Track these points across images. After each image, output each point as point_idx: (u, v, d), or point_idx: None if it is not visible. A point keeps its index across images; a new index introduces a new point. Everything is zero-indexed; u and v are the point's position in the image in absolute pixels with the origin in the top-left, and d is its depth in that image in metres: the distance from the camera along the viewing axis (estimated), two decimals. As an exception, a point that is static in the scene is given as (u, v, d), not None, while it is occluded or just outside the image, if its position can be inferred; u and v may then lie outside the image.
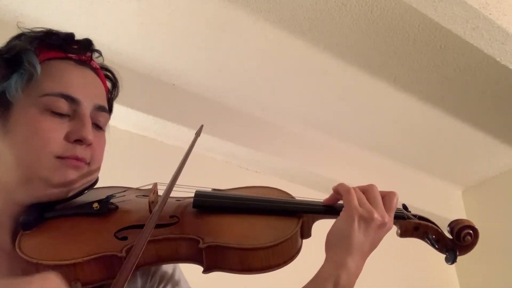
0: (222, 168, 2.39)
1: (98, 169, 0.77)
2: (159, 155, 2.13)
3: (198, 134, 0.85)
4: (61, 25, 1.78)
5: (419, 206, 2.72)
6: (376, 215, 0.72)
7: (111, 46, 1.90)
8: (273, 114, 2.42)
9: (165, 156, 2.04)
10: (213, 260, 0.69)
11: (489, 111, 2.36)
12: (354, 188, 0.77)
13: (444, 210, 2.88)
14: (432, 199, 2.91)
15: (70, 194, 0.72)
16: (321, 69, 2.09)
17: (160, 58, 2.04)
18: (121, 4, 1.74)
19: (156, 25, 1.86)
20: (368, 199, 0.75)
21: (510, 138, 2.60)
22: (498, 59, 1.75)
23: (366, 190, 0.76)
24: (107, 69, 0.83)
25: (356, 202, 0.74)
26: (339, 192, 0.78)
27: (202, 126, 0.87)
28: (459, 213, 3.07)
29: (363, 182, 0.81)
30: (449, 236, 0.83)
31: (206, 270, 0.70)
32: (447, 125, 2.48)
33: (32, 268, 0.63)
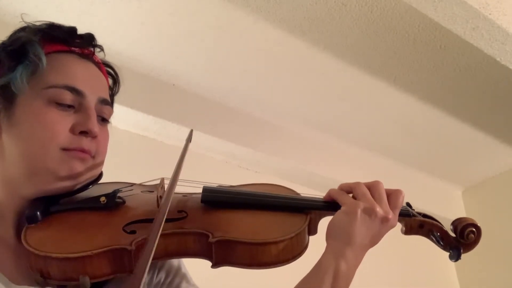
0: (222, 168, 2.39)
1: (102, 162, 0.76)
2: (159, 155, 2.13)
3: (189, 139, 0.83)
4: (61, 25, 1.78)
5: (419, 206, 2.69)
6: (378, 209, 0.73)
7: (111, 46, 1.90)
8: (273, 114, 2.42)
9: (165, 156, 2.03)
10: (222, 255, 0.69)
11: (489, 111, 2.36)
12: (359, 183, 0.78)
13: (444, 210, 2.87)
14: (432, 199, 2.91)
15: (76, 187, 0.72)
16: (321, 69, 2.09)
17: (160, 58, 2.04)
18: (121, 4, 1.74)
19: (157, 25, 1.86)
20: (372, 195, 0.75)
21: (510, 138, 2.60)
22: (498, 59, 1.75)
23: (371, 186, 0.77)
24: (108, 65, 0.83)
25: (350, 198, 0.75)
26: (332, 197, 0.79)
27: (192, 131, 0.86)
28: (459, 213, 3.07)
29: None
30: (453, 235, 0.84)
31: (215, 265, 0.70)
32: (447, 125, 2.47)
33: (40, 261, 0.62)
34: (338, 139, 2.61)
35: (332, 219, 0.75)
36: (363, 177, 0.83)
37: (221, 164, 2.41)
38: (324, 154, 2.60)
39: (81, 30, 0.78)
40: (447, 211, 2.92)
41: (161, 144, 2.22)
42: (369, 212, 0.72)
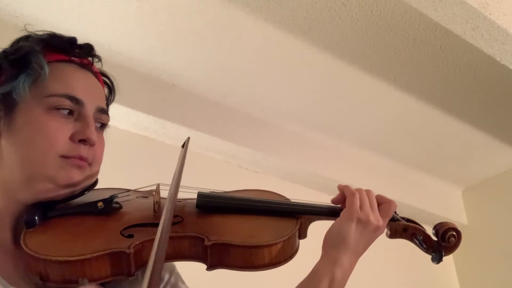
0: (222, 168, 2.39)
1: (98, 171, 0.78)
2: (159, 155, 2.13)
3: (185, 147, 0.84)
4: (61, 25, 1.78)
5: (419, 206, 2.72)
6: (372, 219, 0.78)
7: (111, 46, 1.90)
8: (273, 114, 2.42)
9: (165, 156, 2.04)
10: (218, 257, 0.71)
11: (489, 111, 2.36)
12: (359, 191, 0.82)
13: (444, 210, 2.88)
14: (432, 199, 2.91)
15: (72, 194, 0.73)
16: (321, 69, 2.09)
17: (160, 58, 2.04)
18: (121, 4, 1.74)
19: (156, 25, 1.86)
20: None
21: (510, 138, 2.60)
22: (498, 59, 1.75)
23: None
24: (105, 75, 0.85)
25: (357, 205, 0.79)
26: (345, 193, 0.83)
27: (188, 138, 0.88)
28: (459, 213, 3.08)
29: (363, 182, 0.83)
30: (435, 238, 0.88)
31: (210, 268, 0.72)
32: (447, 125, 2.48)
33: (40, 264, 0.63)
34: (338, 139, 2.61)
35: (330, 228, 0.80)
36: (363, 177, 0.84)
37: (221, 164, 2.41)
38: (324, 154, 2.60)
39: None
40: (447, 211, 2.92)
41: (161, 144, 2.22)
42: (365, 222, 0.78)
